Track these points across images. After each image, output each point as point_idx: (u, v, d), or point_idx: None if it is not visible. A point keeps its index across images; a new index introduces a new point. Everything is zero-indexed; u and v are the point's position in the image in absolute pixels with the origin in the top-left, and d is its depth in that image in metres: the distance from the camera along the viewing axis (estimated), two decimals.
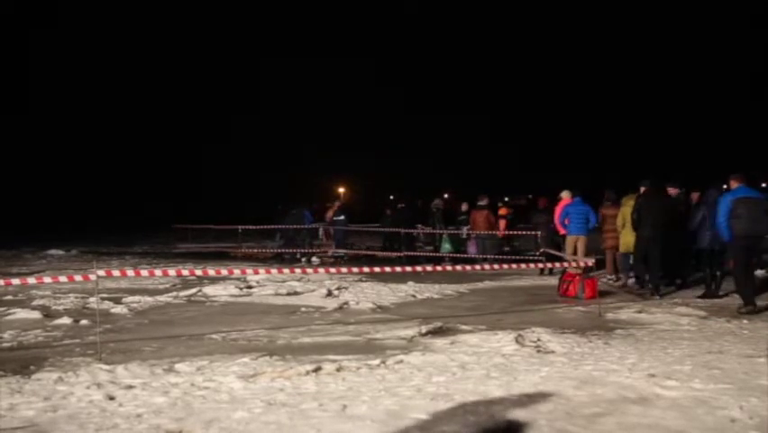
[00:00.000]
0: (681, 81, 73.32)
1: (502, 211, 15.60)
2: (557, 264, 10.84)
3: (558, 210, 12.28)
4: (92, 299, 9.13)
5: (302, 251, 17.38)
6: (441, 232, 15.96)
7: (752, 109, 61.32)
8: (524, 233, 15.42)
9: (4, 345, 6.83)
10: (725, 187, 9.02)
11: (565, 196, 12.30)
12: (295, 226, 17.82)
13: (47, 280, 8.30)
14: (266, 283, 11.25)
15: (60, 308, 9.05)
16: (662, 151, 58.50)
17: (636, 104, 74.98)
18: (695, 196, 10.65)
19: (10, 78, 51.46)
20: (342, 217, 17.84)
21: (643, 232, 9.54)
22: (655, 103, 72.92)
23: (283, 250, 17.68)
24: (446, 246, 15.84)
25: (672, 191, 10.57)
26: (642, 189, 9.91)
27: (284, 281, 11.42)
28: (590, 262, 9.24)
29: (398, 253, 15.75)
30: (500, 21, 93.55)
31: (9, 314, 8.46)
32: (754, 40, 67.81)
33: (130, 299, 9.69)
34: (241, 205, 35.42)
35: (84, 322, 7.93)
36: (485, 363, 5.61)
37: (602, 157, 58.45)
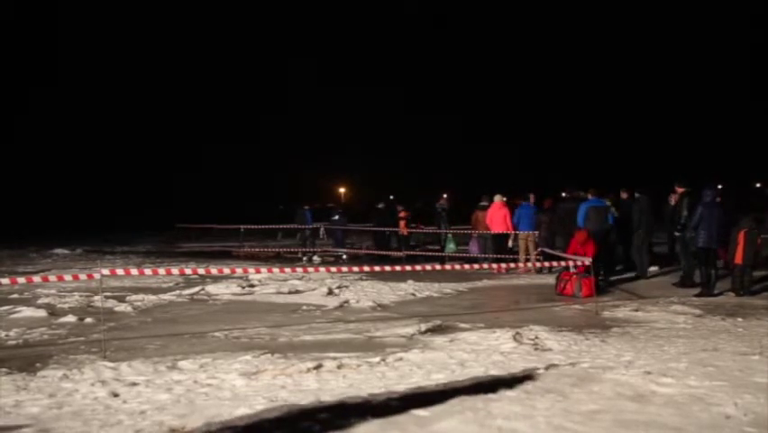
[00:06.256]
0: (680, 81, 73.30)
1: (402, 214, 16.41)
2: (555, 263, 10.89)
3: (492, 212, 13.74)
4: (96, 298, 9.22)
5: (305, 250, 17.44)
6: (446, 232, 15.98)
7: (752, 109, 61.31)
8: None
9: (10, 342, 6.91)
10: (719, 187, 9.22)
11: (497, 200, 13.84)
12: (295, 226, 17.88)
13: (52, 278, 8.35)
14: (268, 282, 11.33)
15: (65, 306, 9.12)
16: (661, 150, 58.52)
17: (636, 103, 74.90)
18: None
19: (13, 78, 51.61)
20: (336, 217, 17.91)
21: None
22: (655, 103, 72.89)
23: (304, 249, 17.59)
24: (450, 246, 15.87)
25: (679, 190, 10.66)
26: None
27: (285, 280, 11.49)
28: (588, 261, 9.30)
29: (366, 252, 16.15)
30: (500, 21, 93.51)
31: (15, 312, 8.54)
32: (754, 40, 67.69)
33: (134, 297, 9.78)
34: (241, 205, 35.49)
35: (88, 320, 8.02)
36: (483, 361, 5.67)
37: (601, 157, 58.39)
